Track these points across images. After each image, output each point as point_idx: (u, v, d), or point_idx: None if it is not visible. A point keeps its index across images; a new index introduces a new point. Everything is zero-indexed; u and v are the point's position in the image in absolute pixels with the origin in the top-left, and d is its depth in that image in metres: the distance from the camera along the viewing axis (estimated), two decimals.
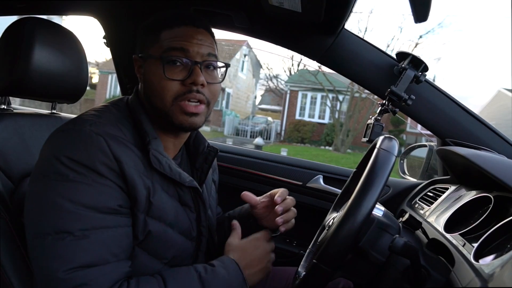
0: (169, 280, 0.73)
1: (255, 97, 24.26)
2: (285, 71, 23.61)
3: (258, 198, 0.97)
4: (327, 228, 0.89)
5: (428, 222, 0.95)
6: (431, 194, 1.16)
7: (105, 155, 0.70)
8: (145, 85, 0.82)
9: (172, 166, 0.79)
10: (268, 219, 0.97)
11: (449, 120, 1.14)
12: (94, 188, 0.68)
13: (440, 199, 1.05)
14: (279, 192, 0.92)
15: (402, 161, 1.55)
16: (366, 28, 18.35)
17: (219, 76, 0.84)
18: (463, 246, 0.73)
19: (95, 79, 19.06)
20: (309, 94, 17.42)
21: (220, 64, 0.83)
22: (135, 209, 0.74)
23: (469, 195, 0.91)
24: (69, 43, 1.06)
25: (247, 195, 0.95)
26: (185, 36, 0.78)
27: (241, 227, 0.93)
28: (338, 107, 15.62)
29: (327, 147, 15.04)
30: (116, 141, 0.72)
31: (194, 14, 0.84)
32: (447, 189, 1.08)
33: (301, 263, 0.91)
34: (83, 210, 0.67)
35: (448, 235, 0.80)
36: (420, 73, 1.09)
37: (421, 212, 1.09)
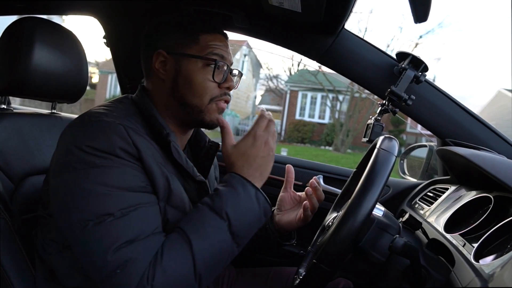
0: (186, 227, 0.72)
1: (255, 97, 24.29)
2: (285, 71, 23.63)
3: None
4: (327, 228, 0.89)
5: (428, 222, 0.95)
6: (431, 194, 1.16)
7: (125, 141, 0.72)
8: (179, 82, 0.84)
9: (187, 159, 0.84)
10: (287, 216, 0.99)
11: (449, 120, 1.14)
12: (121, 170, 0.70)
13: (440, 199, 1.05)
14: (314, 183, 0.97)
15: (402, 161, 1.55)
16: (366, 28, 18.34)
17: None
18: (463, 246, 0.73)
19: (95, 79, 19.06)
20: (309, 94, 17.42)
21: (235, 71, 0.91)
22: (155, 196, 0.75)
23: (469, 195, 0.91)
24: (69, 43, 1.06)
25: (291, 170, 1.02)
26: (221, 44, 0.86)
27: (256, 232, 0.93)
28: (338, 107, 15.63)
29: (327, 147, 15.05)
30: (133, 131, 0.75)
31: (218, 22, 0.91)
32: (447, 189, 1.08)
33: (302, 263, 0.91)
34: (117, 191, 0.69)
35: (448, 235, 0.80)
36: (420, 73, 1.09)
37: (421, 212, 1.09)
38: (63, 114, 1.22)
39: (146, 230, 0.69)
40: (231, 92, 0.89)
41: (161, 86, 0.85)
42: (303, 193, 0.98)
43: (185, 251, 0.68)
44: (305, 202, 0.95)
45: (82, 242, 0.68)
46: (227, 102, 0.87)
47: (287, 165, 1.02)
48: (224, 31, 0.90)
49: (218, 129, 0.85)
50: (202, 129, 0.98)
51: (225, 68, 0.85)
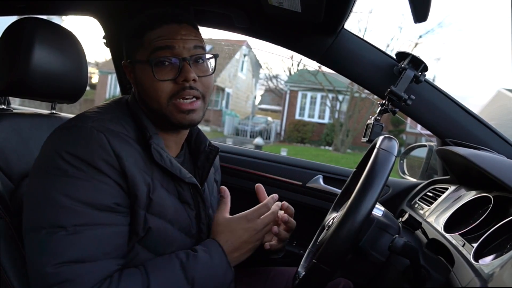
0: (151, 270, 0.72)
1: (255, 97, 24.27)
2: (284, 71, 23.60)
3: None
4: (327, 228, 0.89)
5: (428, 222, 0.95)
6: (431, 194, 1.16)
7: (105, 151, 0.70)
8: (139, 89, 0.82)
9: (172, 161, 0.80)
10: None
11: (449, 120, 1.14)
12: (92, 185, 0.69)
13: (440, 199, 1.05)
14: (281, 205, 0.91)
15: (402, 161, 1.55)
16: (366, 28, 18.34)
17: (210, 68, 0.84)
18: (463, 246, 0.73)
19: (95, 79, 19.05)
20: (309, 94, 17.41)
21: (208, 56, 0.83)
22: (135, 206, 0.74)
23: (469, 195, 0.91)
24: (69, 43, 1.06)
25: (261, 189, 0.95)
26: (168, 34, 0.78)
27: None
28: (338, 107, 15.62)
29: (327, 147, 15.04)
30: (117, 137, 0.73)
31: (174, 10, 0.83)
32: (447, 189, 1.08)
33: (301, 263, 0.91)
34: (79, 206, 0.67)
35: (448, 235, 0.81)
36: (420, 73, 1.09)
37: (421, 212, 1.09)
38: (62, 114, 1.22)
39: (97, 253, 0.67)
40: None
41: (137, 94, 0.84)
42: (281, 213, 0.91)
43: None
44: (274, 227, 0.87)
45: (31, 247, 0.68)
46: (196, 97, 0.79)
47: (256, 185, 0.96)
48: (181, 17, 0.80)
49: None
50: (202, 131, 0.98)
51: (176, 60, 0.77)
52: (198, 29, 0.85)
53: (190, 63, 0.78)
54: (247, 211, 0.84)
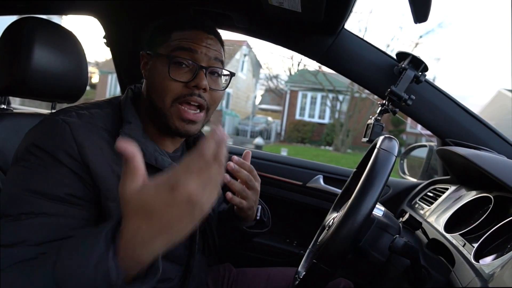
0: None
1: (255, 97, 24.26)
2: (285, 71, 23.62)
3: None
4: (327, 228, 0.89)
5: (428, 222, 0.95)
6: (431, 194, 1.16)
7: (66, 141, 0.70)
8: (148, 82, 0.82)
9: (147, 150, 0.77)
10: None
11: (449, 120, 1.14)
12: (47, 174, 0.68)
13: (440, 199, 1.05)
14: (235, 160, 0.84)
15: (402, 161, 1.55)
16: (366, 28, 18.34)
17: (223, 84, 0.85)
18: (463, 246, 0.73)
19: (95, 79, 19.07)
20: (309, 94, 17.42)
21: (225, 72, 0.84)
22: (103, 198, 0.72)
23: (469, 195, 0.91)
24: (69, 43, 1.06)
25: (247, 155, 0.89)
26: (195, 38, 0.79)
27: (225, 225, 0.92)
28: (338, 107, 15.63)
29: (327, 147, 15.05)
30: (85, 128, 0.72)
31: (206, 20, 0.84)
32: (447, 189, 1.08)
33: (301, 263, 0.91)
34: (30, 195, 0.66)
35: (448, 235, 0.80)
36: (420, 73, 1.09)
37: (421, 212, 1.09)
38: None
39: (29, 241, 0.63)
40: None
41: (145, 87, 0.84)
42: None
43: None
44: (225, 175, 0.80)
45: None
46: (201, 108, 0.79)
47: (245, 151, 0.91)
48: (210, 28, 0.82)
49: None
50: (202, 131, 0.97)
51: (194, 65, 0.77)
52: (223, 45, 0.86)
53: (206, 73, 0.78)
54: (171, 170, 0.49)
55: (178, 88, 0.77)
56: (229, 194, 0.85)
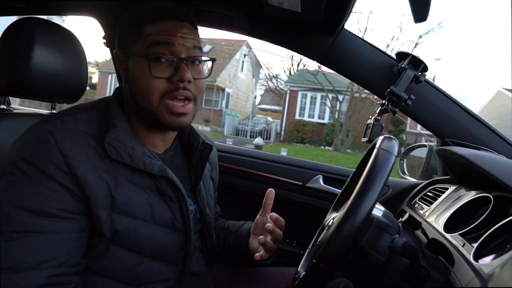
0: None
1: (255, 97, 24.27)
2: (284, 71, 23.63)
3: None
4: (327, 228, 0.89)
5: (428, 222, 0.95)
6: (431, 194, 1.16)
7: (52, 154, 0.68)
8: (130, 83, 0.79)
9: (134, 154, 0.75)
10: (255, 241, 0.94)
11: (449, 120, 1.14)
12: (36, 191, 0.67)
13: (439, 199, 1.05)
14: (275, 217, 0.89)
15: (402, 161, 1.55)
16: (366, 28, 18.38)
17: (205, 71, 0.83)
18: (462, 246, 0.73)
19: (95, 79, 19.08)
20: (309, 94, 17.42)
21: (204, 58, 0.82)
22: (93, 207, 0.71)
23: (469, 195, 0.91)
24: (69, 43, 1.06)
25: (271, 196, 0.93)
26: (169, 30, 0.76)
27: (233, 251, 0.95)
28: (338, 107, 15.63)
29: (327, 147, 15.04)
30: (70, 137, 0.71)
31: (177, 7, 0.81)
32: (446, 189, 1.08)
33: (301, 263, 0.91)
34: (20, 213, 0.66)
35: (447, 235, 0.80)
36: (420, 73, 1.09)
37: (421, 212, 1.09)
38: None
39: (28, 262, 0.64)
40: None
41: (127, 88, 0.82)
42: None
43: None
44: (260, 237, 0.88)
45: None
46: (188, 100, 0.78)
47: (268, 189, 0.94)
48: (184, 15, 0.79)
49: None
50: (194, 129, 0.96)
51: (173, 58, 0.75)
52: (197, 29, 0.83)
53: (187, 64, 0.77)
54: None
55: (162, 85, 0.76)
56: (257, 256, 0.88)
